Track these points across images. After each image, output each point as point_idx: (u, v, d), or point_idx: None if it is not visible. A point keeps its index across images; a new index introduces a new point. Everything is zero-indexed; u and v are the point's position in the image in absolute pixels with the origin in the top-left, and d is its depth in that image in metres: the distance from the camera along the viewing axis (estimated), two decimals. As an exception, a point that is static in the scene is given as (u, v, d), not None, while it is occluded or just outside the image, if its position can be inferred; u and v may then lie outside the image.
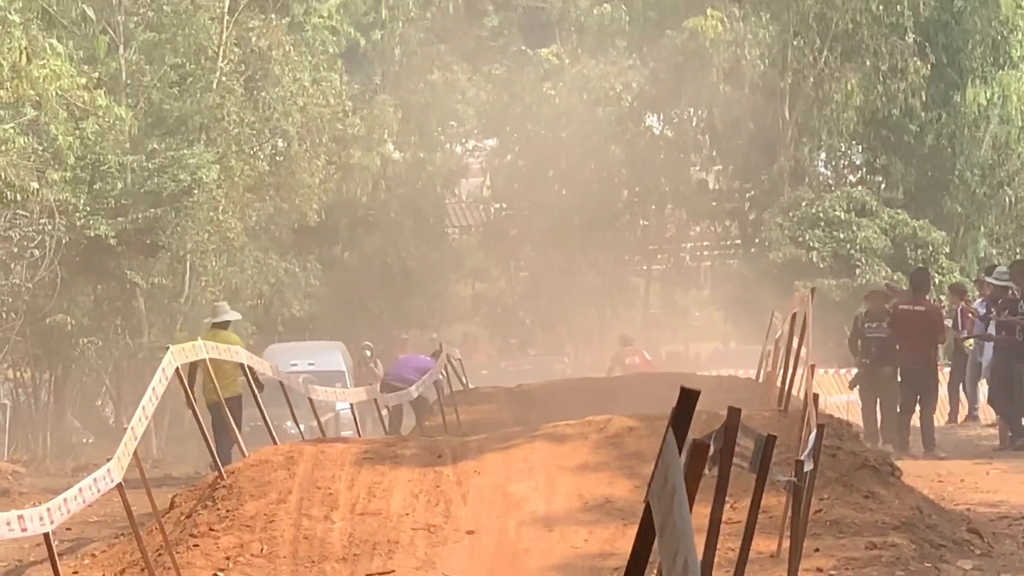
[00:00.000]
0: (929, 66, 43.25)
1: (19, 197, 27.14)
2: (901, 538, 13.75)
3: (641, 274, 55.96)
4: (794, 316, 18.57)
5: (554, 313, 52.42)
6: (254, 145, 36.28)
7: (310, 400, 23.53)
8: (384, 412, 26.68)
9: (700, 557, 2.93)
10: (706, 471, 5.49)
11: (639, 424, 15.00)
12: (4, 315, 30.92)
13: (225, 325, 24.47)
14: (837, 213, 40.62)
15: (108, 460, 14.13)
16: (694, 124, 49.43)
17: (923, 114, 45.15)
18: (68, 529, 16.17)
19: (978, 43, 45.11)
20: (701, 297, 53.73)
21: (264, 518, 15.61)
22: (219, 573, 14.54)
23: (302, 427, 22.79)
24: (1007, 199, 45.07)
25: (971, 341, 25.41)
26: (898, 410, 22.89)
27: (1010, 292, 22.77)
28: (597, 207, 49.87)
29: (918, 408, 22.76)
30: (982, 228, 46.22)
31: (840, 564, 13.17)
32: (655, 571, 4.34)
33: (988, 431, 25.10)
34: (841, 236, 40.05)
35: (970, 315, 25.33)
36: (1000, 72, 44.77)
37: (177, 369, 16.42)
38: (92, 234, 31.71)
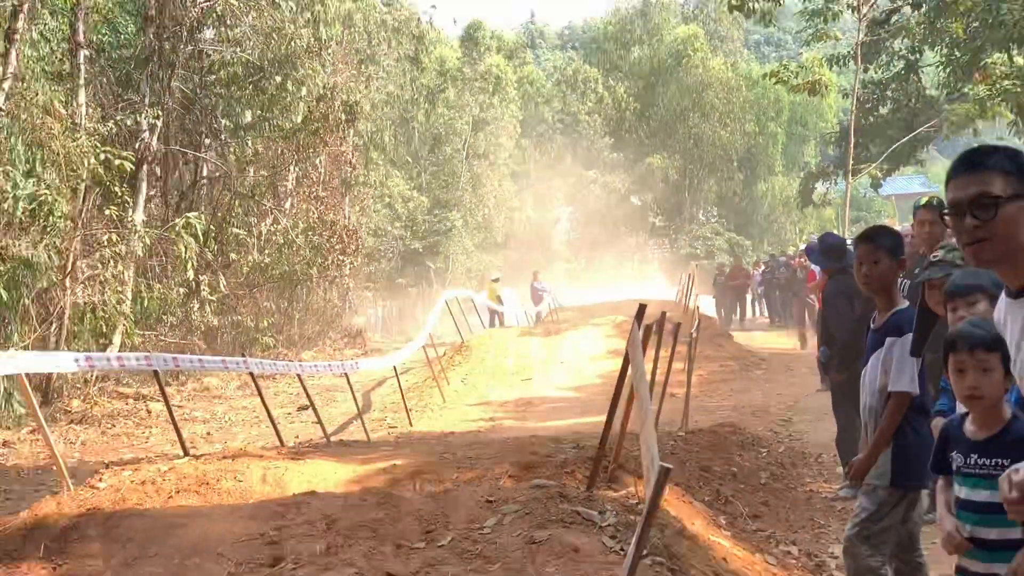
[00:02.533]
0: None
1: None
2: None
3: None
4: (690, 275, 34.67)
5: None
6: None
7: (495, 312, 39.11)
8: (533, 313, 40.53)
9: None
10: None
11: (628, 319, 19.74)
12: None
13: (496, 280, 39.92)
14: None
15: (416, 338, 28.07)
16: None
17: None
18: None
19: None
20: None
21: (485, 357, 28.92)
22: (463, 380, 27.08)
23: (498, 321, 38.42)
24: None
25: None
26: None
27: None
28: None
29: None
30: None
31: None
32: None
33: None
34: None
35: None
36: None
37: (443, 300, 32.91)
38: (412, 246, 50.82)
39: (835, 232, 16.82)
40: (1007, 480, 3.23)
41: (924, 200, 10.56)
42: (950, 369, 4.69)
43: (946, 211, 3.74)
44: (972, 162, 3.62)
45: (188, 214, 28.31)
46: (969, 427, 4.66)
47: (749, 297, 46.32)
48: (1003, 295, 3.88)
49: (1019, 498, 3.17)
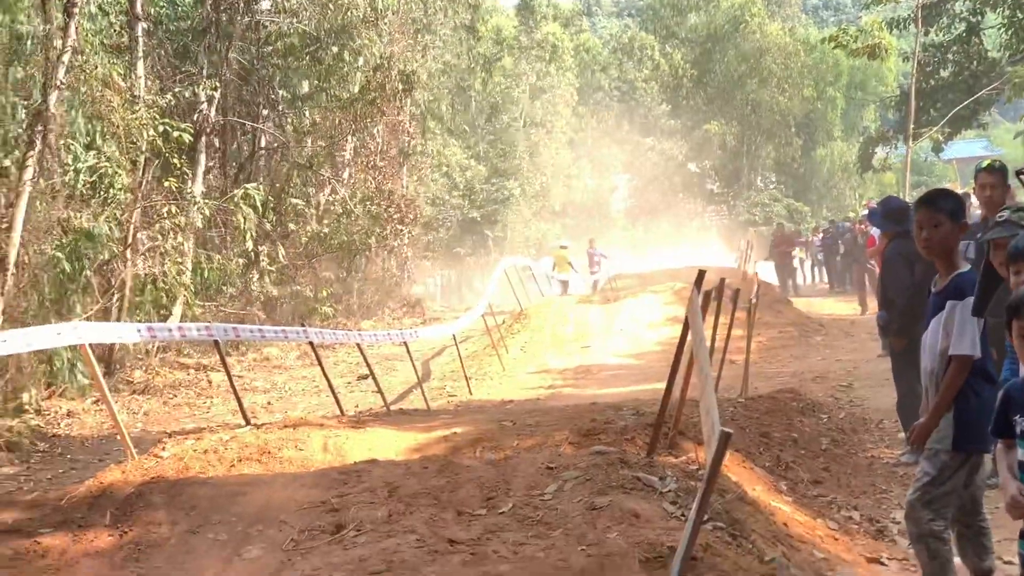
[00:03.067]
0: None
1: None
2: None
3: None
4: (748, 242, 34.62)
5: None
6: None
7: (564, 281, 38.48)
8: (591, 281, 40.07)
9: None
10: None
11: (686, 286, 21.44)
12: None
13: (565, 247, 39.16)
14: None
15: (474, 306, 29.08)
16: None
17: None
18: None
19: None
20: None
21: (543, 325, 29.33)
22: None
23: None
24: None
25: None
26: None
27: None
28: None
29: None
30: None
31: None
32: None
33: None
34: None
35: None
36: None
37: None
38: (470, 215, 50.63)
39: (897, 196, 16.69)
40: None
41: (986, 163, 10.50)
42: (1014, 334, 4.68)
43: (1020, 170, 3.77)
44: None
45: (247, 185, 28.49)
46: None
47: (805, 263, 46.45)
48: None
49: None
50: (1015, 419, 4.66)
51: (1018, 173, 3.95)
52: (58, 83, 19.93)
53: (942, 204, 6.84)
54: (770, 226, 55.76)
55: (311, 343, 18.62)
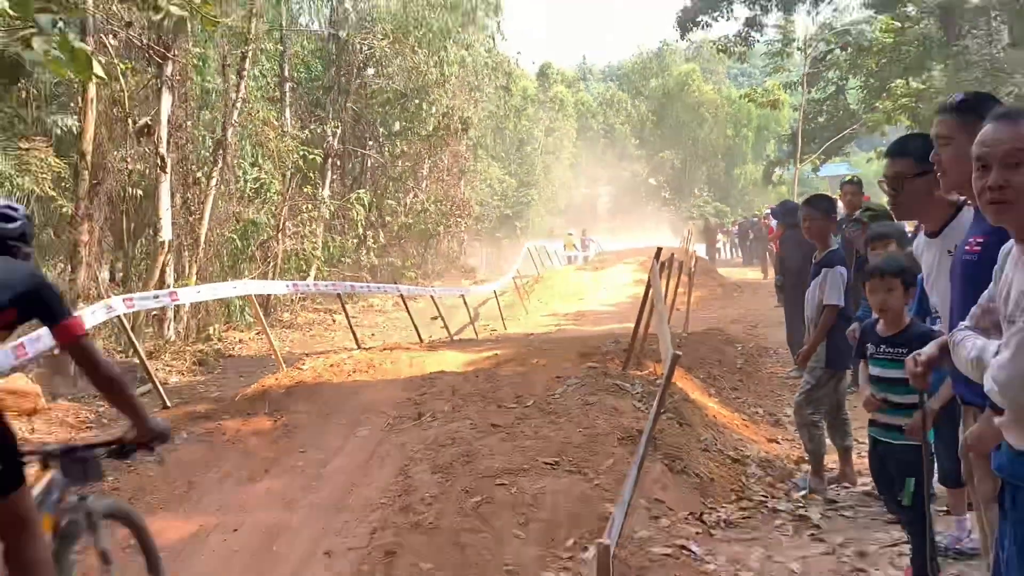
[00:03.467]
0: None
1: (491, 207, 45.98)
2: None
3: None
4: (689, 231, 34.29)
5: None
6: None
7: (571, 256, 38.33)
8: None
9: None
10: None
11: (648, 259, 26.07)
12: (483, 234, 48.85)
13: (571, 234, 39.01)
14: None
15: (506, 275, 29.97)
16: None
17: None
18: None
19: None
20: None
21: (554, 285, 29.31)
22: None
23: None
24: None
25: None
26: None
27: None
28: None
29: None
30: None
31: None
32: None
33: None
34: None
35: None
36: None
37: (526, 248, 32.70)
38: (504, 212, 49.65)
39: (790, 200, 16.73)
40: (912, 360, 3.18)
41: (847, 179, 10.97)
42: (867, 289, 4.71)
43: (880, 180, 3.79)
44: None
45: (358, 191, 28.82)
46: (879, 328, 4.71)
47: (726, 245, 46.90)
48: (922, 235, 3.96)
49: (923, 371, 3.13)
50: (867, 345, 4.70)
51: (879, 182, 3.92)
52: (233, 122, 20.08)
53: (818, 204, 7.05)
54: (704, 220, 55.71)
55: (401, 295, 18.95)
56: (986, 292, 2.77)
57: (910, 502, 4.49)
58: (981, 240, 3.05)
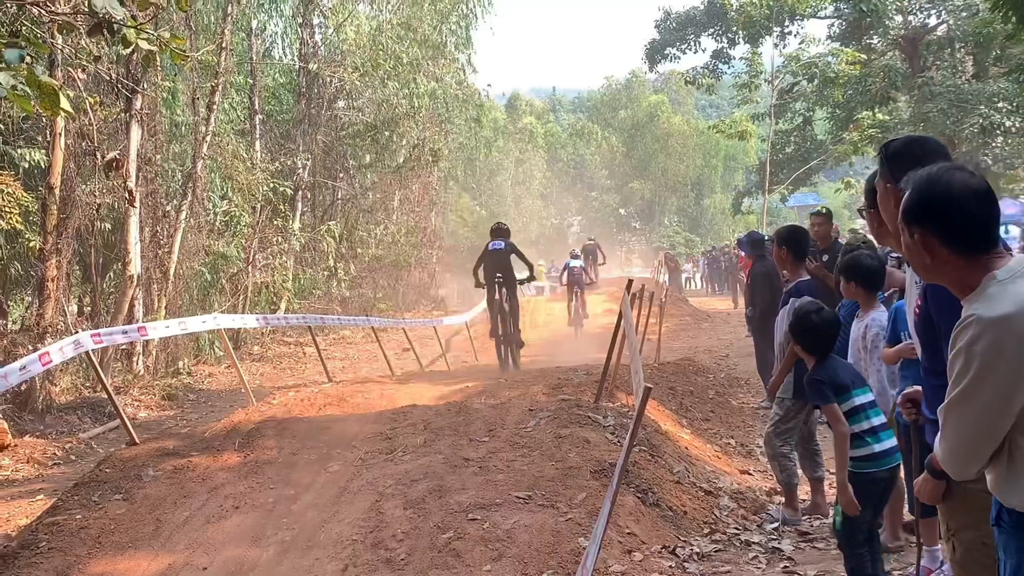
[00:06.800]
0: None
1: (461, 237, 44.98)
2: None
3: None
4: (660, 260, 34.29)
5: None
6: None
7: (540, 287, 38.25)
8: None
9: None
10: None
11: (619, 289, 20.23)
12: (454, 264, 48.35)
13: (541, 265, 39.32)
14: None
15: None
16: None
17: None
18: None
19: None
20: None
21: (526, 315, 30.81)
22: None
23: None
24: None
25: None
26: None
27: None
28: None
29: None
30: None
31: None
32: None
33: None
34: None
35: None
36: None
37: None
38: (475, 243, 48.25)
39: (757, 231, 16.83)
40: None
41: (817, 209, 11.07)
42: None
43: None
44: None
45: (329, 223, 28.73)
46: None
47: (696, 274, 47.21)
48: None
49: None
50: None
51: (859, 210, 3.95)
52: (203, 155, 20.01)
53: (788, 238, 7.08)
54: (673, 250, 56.04)
55: (372, 327, 18.95)
56: None
57: (838, 528, 4.59)
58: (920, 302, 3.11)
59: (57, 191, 14.43)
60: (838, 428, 4.60)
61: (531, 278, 16.47)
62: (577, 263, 24.40)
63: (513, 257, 14.95)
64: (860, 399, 4.74)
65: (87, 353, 9.68)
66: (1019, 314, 2.29)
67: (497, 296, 14.78)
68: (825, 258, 9.51)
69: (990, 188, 2.49)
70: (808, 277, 6.96)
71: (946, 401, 2.43)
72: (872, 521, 4.68)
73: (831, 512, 4.66)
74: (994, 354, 2.28)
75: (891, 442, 4.65)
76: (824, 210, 10.83)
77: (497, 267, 14.65)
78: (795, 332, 5.06)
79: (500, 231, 15.21)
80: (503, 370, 14.71)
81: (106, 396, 10.53)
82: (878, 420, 4.73)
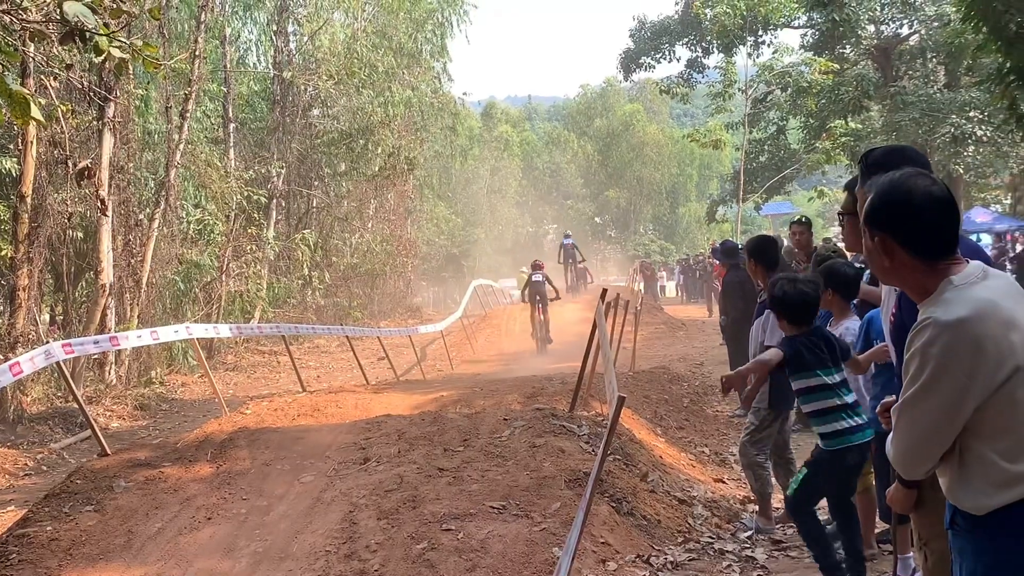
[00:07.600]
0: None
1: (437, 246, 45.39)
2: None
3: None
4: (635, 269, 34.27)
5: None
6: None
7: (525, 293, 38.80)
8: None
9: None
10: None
11: (594, 298, 23.92)
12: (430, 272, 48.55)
13: (524, 272, 38.69)
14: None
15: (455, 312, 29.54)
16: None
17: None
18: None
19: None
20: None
21: (500, 324, 28.98)
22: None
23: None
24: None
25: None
26: None
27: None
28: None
29: None
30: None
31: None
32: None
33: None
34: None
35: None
36: None
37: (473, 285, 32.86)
38: (451, 251, 49.92)
39: (731, 239, 16.89)
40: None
41: (796, 218, 11.25)
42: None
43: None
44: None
45: (304, 231, 28.72)
46: None
47: (670, 282, 47.33)
48: None
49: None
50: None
51: (839, 214, 3.97)
52: (176, 163, 19.89)
53: (760, 249, 7.07)
54: (649, 258, 56.24)
55: (347, 336, 18.88)
56: None
57: (790, 494, 4.92)
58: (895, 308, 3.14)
59: (28, 200, 14.34)
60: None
61: (556, 297, 22.36)
62: (538, 276, 23.11)
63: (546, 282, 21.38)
64: (836, 377, 4.97)
65: (58, 364, 9.61)
66: (974, 318, 2.34)
67: (537, 312, 21.30)
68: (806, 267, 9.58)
69: (951, 195, 2.53)
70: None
71: (900, 401, 2.49)
72: (842, 497, 5.04)
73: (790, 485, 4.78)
74: (949, 357, 2.34)
75: (862, 418, 4.90)
76: (804, 218, 10.84)
77: (537, 292, 21.21)
78: (774, 306, 5.23)
79: (538, 266, 21.80)
80: (541, 355, 20.79)
81: (77, 406, 10.42)
82: (851, 398, 4.96)
